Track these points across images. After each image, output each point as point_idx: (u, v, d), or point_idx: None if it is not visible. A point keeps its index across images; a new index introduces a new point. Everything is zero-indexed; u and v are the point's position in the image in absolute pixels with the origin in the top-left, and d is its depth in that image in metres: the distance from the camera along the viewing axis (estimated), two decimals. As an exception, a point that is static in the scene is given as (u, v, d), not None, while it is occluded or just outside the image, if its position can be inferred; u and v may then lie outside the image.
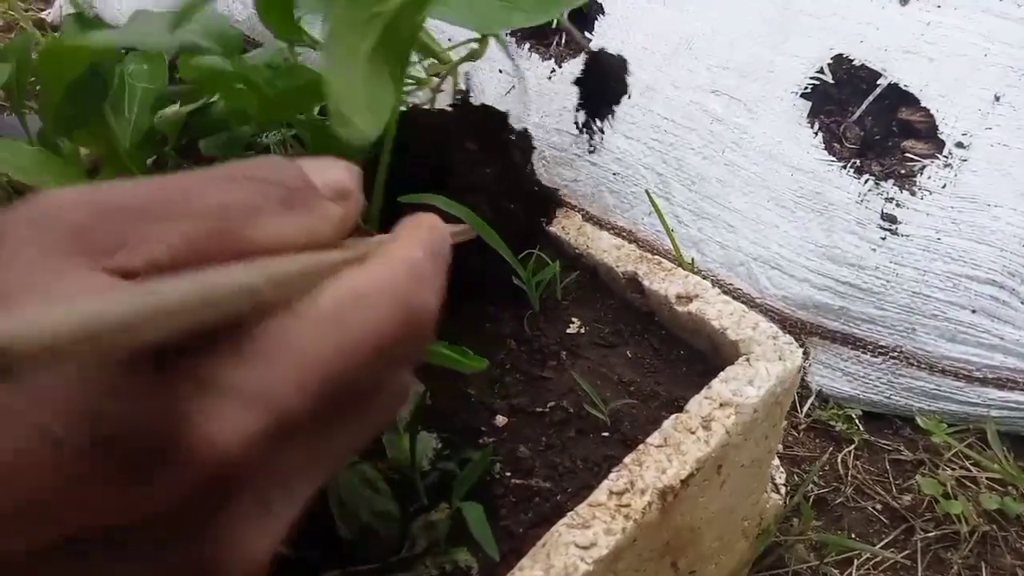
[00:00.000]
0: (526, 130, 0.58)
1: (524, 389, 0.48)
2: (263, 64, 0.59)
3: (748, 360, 0.44)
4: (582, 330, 0.51)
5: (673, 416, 0.41)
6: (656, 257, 0.52)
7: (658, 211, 0.66)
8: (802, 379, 0.66)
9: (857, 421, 0.62)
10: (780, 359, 0.44)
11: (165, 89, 0.60)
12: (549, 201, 0.57)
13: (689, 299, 0.49)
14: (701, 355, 0.49)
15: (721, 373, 0.43)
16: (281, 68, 0.61)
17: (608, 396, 0.46)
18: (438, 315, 0.21)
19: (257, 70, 0.58)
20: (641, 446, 0.40)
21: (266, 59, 0.59)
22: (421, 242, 0.22)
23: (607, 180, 0.73)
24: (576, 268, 0.55)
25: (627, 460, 0.39)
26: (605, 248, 0.54)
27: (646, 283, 0.50)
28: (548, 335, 0.50)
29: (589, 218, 0.76)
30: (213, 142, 0.58)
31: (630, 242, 0.73)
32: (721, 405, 0.41)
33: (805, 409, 0.64)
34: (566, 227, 0.56)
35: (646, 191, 0.70)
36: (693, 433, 0.40)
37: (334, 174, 0.23)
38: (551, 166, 0.77)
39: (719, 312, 0.47)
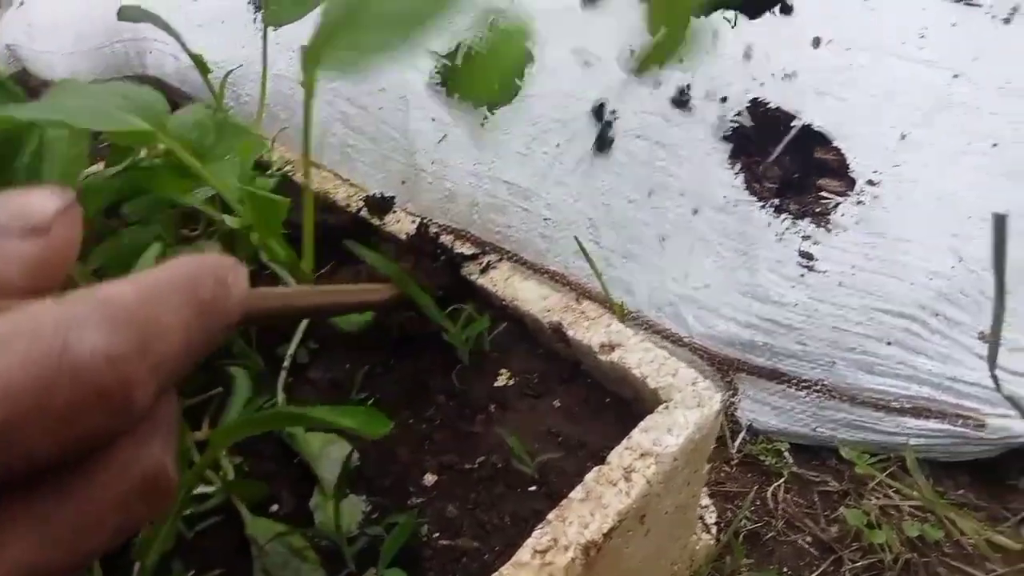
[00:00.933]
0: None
1: (453, 445, 0.48)
2: (192, 122, 0.59)
3: (668, 408, 0.45)
4: (511, 382, 0.52)
5: (595, 468, 0.42)
6: (580, 306, 0.53)
7: (587, 256, 0.68)
8: (733, 414, 0.67)
9: (787, 454, 0.64)
10: (699, 405, 0.45)
11: (86, 152, 0.59)
12: (472, 258, 0.58)
13: (612, 348, 0.50)
14: (627, 403, 0.50)
15: (641, 422, 0.44)
16: (210, 125, 0.61)
17: (536, 448, 0.47)
18: (176, 366, 0.18)
19: (185, 128, 0.58)
20: (564, 501, 0.41)
21: (193, 118, 0.59)
22: (146, 281, 0.18)
23: (539, 226, 0.75)
24: (505, 319, 0.55)
25: (551, 516, 0.40)
26: (531, 298, 0.54)
27: (570, 333, 0.51)
28: (477, 388, 0.51)
29: (524, 262, 0.77)
30: (137, 204, 0.58)
31: (563, 285, 0.75)
32: (642, 455, 0.42)
33: (736, 444, 0.65)
34: (494, 279, 0.57)
35: (575, 237, 0.71)
36: (615, 485, 0.41)
37: (31, 204, 0.19)
38: (484, 212, 0.78)
39: (640, 360, 0.48)
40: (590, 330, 0.51)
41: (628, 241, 0.71)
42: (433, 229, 0.63)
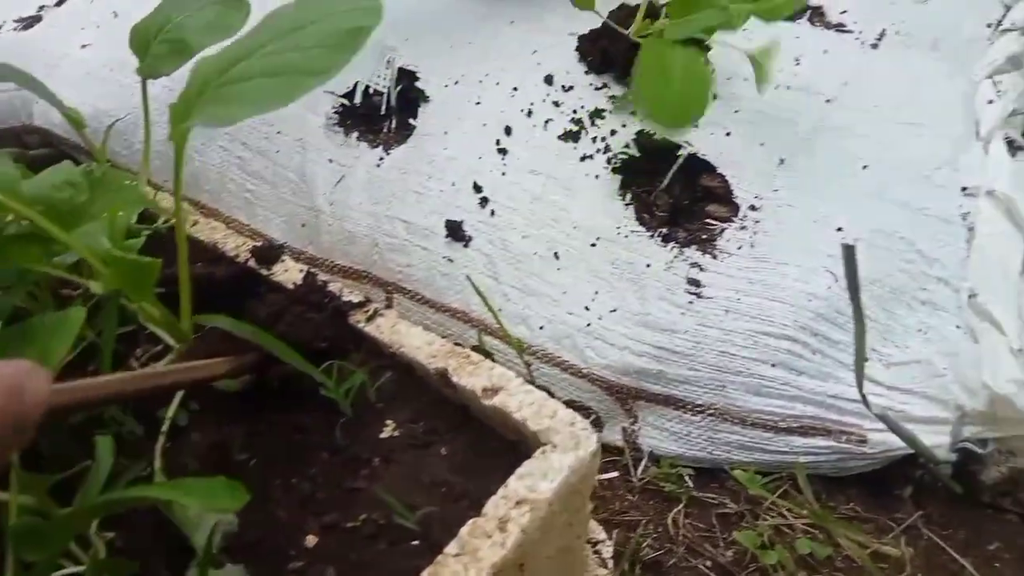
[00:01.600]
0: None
1: (336, 503, 0.47)
2: (56, 183, 0.58)
3: (544, 452, 0.45)
4: (396, 432, 0.51)
5: (470, 521, 0.42)
6: (465, 351, 0.53)
7: (481, 295, 0.68)
8: (634, 442, 0.68)
9: (687, 479, 0.65)
10: (575, 447, 0.45)
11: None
12: (360, 305, 0.58)
13: (494, 391, 0.50)
14: (513, 446, 0.50)
15: (518, 469, 0.44)
16: (83, 183, 0.59)
17: (420, 501, 0.46)
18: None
19: (46, 190, 0.56)
20: (440, 556, 0.40)
21: (58, 178, 0.57)
22: None
23: (439, 264, 0.75)
24: (392, 367, 0.55)
25: (424, 574, 0.39)
26: (417, 345, 0.54)
27: (455, 379, 0.51)
28: (361, 442, 0.50)
29: (426, 301, 0.77)
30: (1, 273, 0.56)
31: (465, 322, 0.75)
32: (517, 503, 0.42)
33: (639, 472, 0.66)
34: (380, 326, 0.57)
35: (467, 277, 0.71)
36: (490, 537, 0.41)
37: None
38: (384, 253, 0.77)
39: (520, 403, 0.49)
40: (473, 375, 0.51)
41: (526, 276, 0.72)
42: (321, 277, 0.62)
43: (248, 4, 0.67)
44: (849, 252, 0.45)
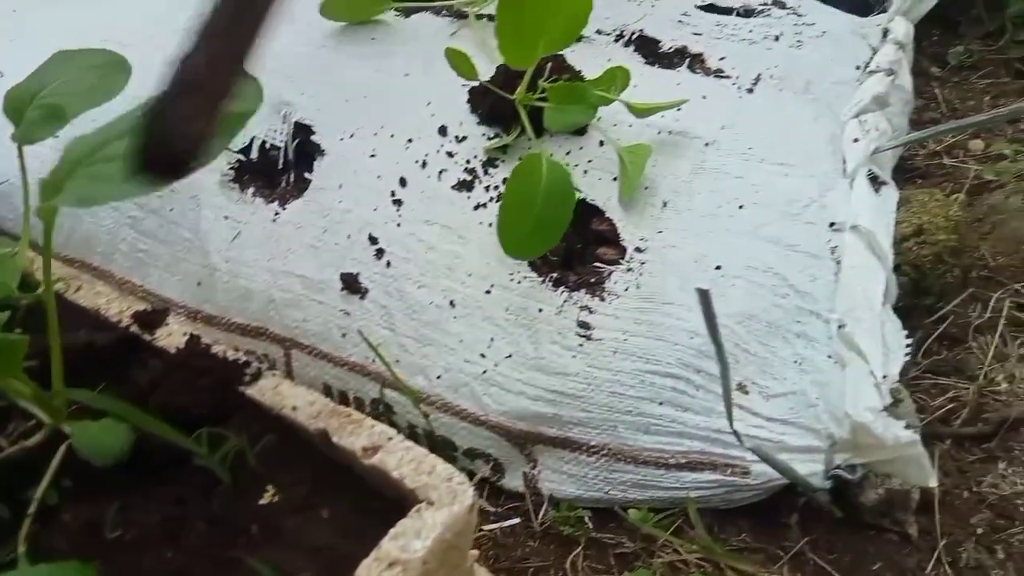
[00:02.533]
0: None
1: (210, 576, 0.46)
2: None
3: (419, 510, 0.45)
4: (276, 498, 0.50)
5: (342, 587, 0.41)
6: (347, 410, 0.53)
7: (373, 347, 0.68)
8: (535, 487, 0.69)
9: (587, 520, 0.66)
10: (451, 502, 0.46)
11: None
12: (243, 367, 0.57)
13: (374, 450, 0.50)
14: (396, 505, 0.50)
15: (392, 529, 0.44)
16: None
17: (299, 567, 0.46)
18: None
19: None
20: (310, 627, 0.40)
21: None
22: None
23: (336, 318, 0.75)
24: (275, 429, 0.54)
25: (292, 647, 0.39)
26: (299, 405, 0.54)
27: (336, 439, 0.51)
28: (240, 510, 0.49)
29: (324, 355, 0.76)
30: None
31: (364, 375, 0.74)
32: (389, 565, 0.42)
33: (539, 517, 0.66)
34: (263, 388, 0.56)
35: (358, 331, 0.71)
36: (362, 601, 0.41)
37: None
38: (281, 308, 0.77)
39: (399, 460, 0.49)
40: (354, 434, 0.51)
41: (422, 325, 0.72)
42: (208, 339, 0.61)
43: (130, 67, 0.67)
44: (704, 296, 0.47)
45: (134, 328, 0.63)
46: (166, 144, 0.35)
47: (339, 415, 0.53)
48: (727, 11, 1.08)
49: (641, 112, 0.76)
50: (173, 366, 0.57)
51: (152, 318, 0.63)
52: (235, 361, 0.58)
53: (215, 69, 0.36)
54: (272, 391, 0.56)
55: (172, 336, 0.61)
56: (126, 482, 0.52)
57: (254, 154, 0.86)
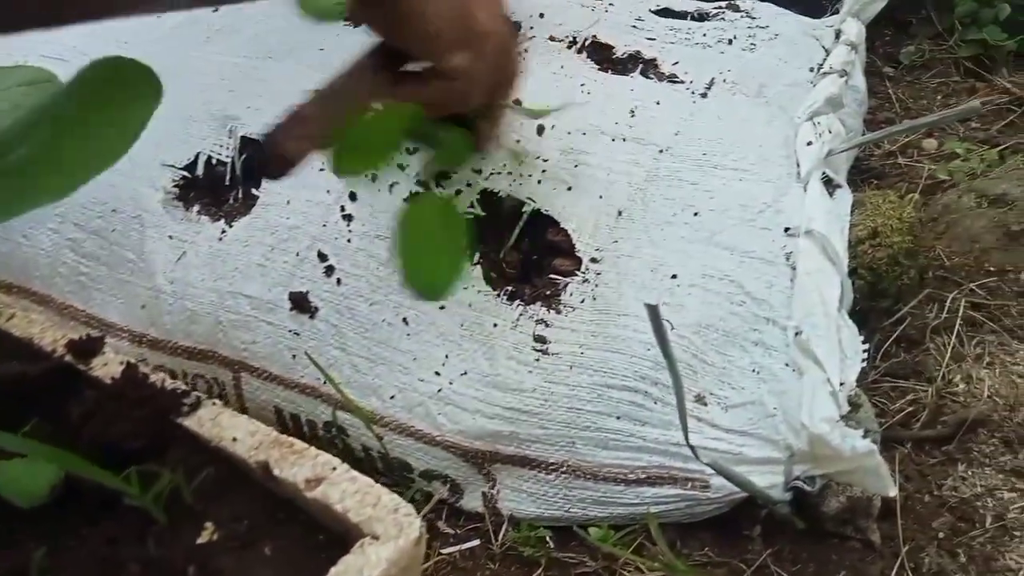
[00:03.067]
0: None
1: (144, 623, 0.44)
2: None
3: (362, 546, 0.43)
4: (216, 535, 0.48)
5: (280, 631, 0.39)
6: (290, 440, 0.51)
7: (320, 368, 0.66)
8: (494, 507, 0.67)
9: (548, 540, 0.64)
10: (397, 535, 0.44)
11: None
12: (182, 396, 0.55)
13: (317, 482, 0.48)
14: (341, 539, 0.48)
15: (333, 568, 0.42)
16: None
17: (238, 608, 0.44)
18: None
19: None
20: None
21: None
22: None
23: (286, 338, 0.72)
24: (213, 462, 0.52)
25: None
26: (239, 436, 0.52)
27: (277, 471, 0.49)
28: (176, 550, 0.47)
29: (274, 378, 0.74)
30: None
31: (315, 397, 0.72)
32: (331, 606, 0.40)
33: (500, 539, 0.65)
34: (201, 419, 0.54)
35: (305, 353, 0.69)
36: (299, 646, 0.39)
37: None
38: (228, 330, 0.74)
39: (343, 492, 0.47)
40: (296, 465, 0.49)
41: (375, 344, 0.70)
42: (142, 369, 0.59)
43: (60, 83, 0.64)
44: (653, 312, 0.46)
45: (69, 358, 0.60)
46: (278, 152, 0.54)
47: (281, 445, 0.50)
48: (681, 15, 1.08)
49: (537, 114, 0.76)
50: (108, 397, 0.55)
51: (88, 346, 0.60)
52: (173, 390, 0.56)
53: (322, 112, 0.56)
54: (211, 421, 0.53)
55: (108, 365, 0.59)
56: (55, 524, 0.49)
57: (199, 170, 0.83)
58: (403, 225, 0.58)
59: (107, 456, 0.50)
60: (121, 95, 0.48)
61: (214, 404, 0.54)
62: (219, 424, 0.53)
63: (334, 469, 0.48)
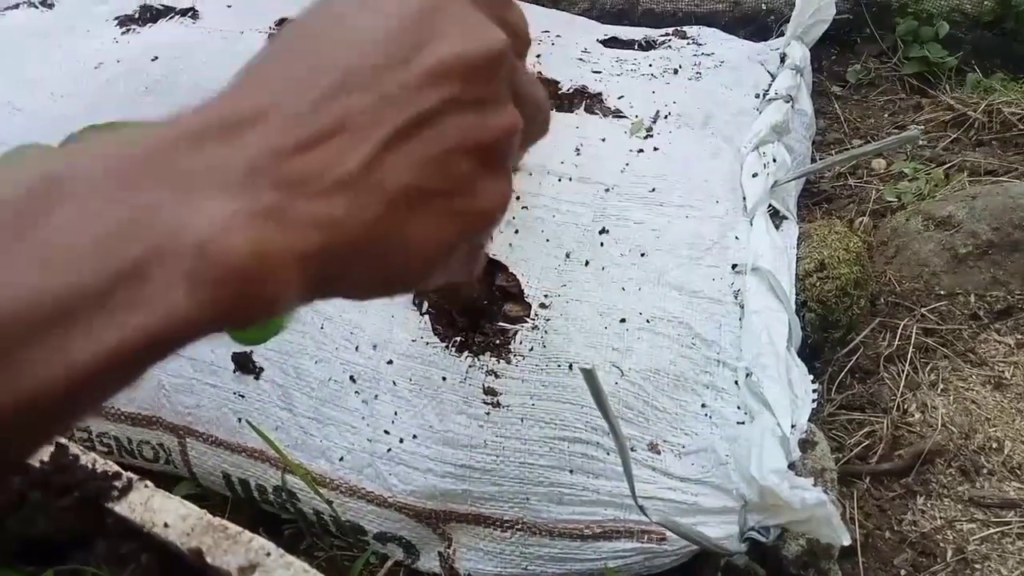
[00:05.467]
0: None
1: None
2: None
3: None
4: (146, 631, 0.46)
5: None
6: (223, 523, 0.49)
7: (261, 434, 0.64)
8: (452, 567, 0.65)
9: (506, 598, 0.62)
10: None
11: None
12: (113, 478, 0.52)
13: (252, 569, 0.46)
14: (278, 625, 0.46)
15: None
16: None
17: None
18: None
19: None
20: None
21: None
22: None
23: (230, 401, 0.70)
24: (146, 548, 0.50)
25: None
26: (171, 521, 0.50)
27: (209, 558, 0.47)
28: (103, 652, 0.45)
29: (219, 442, 0.71)
30: None
31: (263, 461, 0.70)
32: None
33: (456, 600, 0.63)
34: (132, 503, 0.51)
35: (247, 421, 0.67)
36: None
37: None
38: (171, 394, 0.72)
39: (278, 580, 0.45)
40: (230, 552, 0.47)
41: (322, 404, 0.68)
42: (73, 449, 0.56)
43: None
44: (589, 375, 0.45)
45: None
46: None
47: (214, 530, 0.48)
48: (629, 44, 1.08)
49: None
50: (34, 485, 0.52)
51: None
52: (104, 472, 0.53)
53: None
54: (142, 506, 0.51)
55: (35, 448, 0.56)
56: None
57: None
58: None
59: (31, 552, 0.48)
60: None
61: (146, 487, 0.52)
62: (151, 508, 0.51)
63: (268, 555, 0.46)
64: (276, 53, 0.20)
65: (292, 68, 0.19)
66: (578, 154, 0.81)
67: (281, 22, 1.01)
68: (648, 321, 0.66)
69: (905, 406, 0.71)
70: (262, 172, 0.18)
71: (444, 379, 0.67)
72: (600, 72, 0.95)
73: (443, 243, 0.21)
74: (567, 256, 0.72)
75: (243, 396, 0.70)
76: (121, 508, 0.51)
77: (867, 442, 0.70)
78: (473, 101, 0.20)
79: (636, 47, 1.08)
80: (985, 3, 1.18)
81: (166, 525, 0.49)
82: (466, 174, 0.21)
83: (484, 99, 0.20)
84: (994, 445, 0.68)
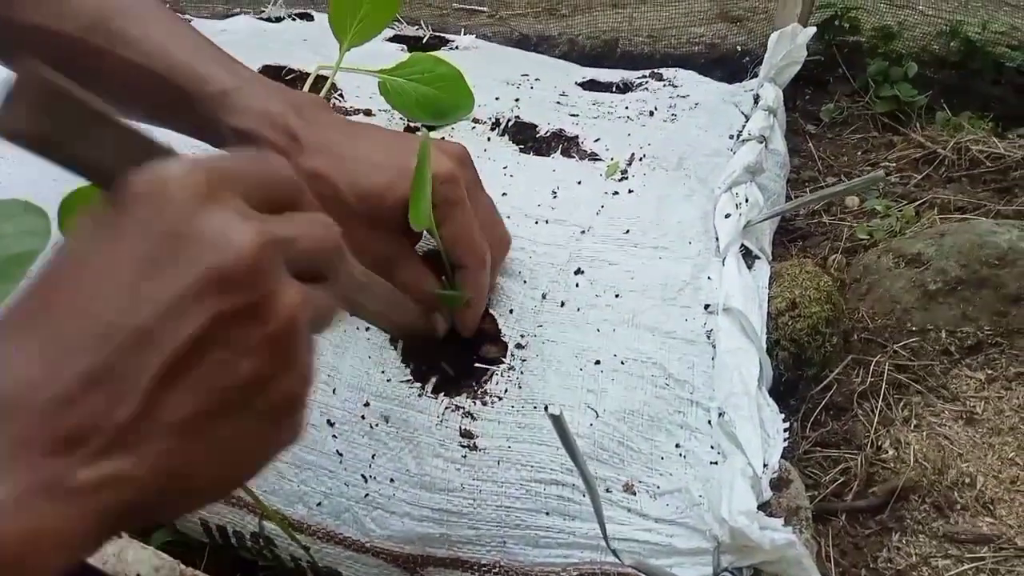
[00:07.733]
0: None
1: None
2: None
3: None
4: None
5: None
6: (196, 573, 0.49)
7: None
8: (430, 613, 0.65)
9: (484, 643, 0.62)
10: None
11: None
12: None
13: (223, 620, 0.46)
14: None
15: None
16: None
17: None
18: None
19: None
20: None
21: None
22: None
23: (208, 446, 0.70)
24: (119, 601, 0.50)
25: None
26: (144, 572, 0.50)
27: (181, 611, 0.47)
28: None
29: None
30: None
31: (241, 507, 0.70)
32: None
33: (434, 646, 0.63)
34: (104, 555, 0.51)
35: (224, 467, 0.67)
36: None
37: None
38: (150, 441, 0.72)
39: (249, 631, 0.45)
40: (201, 603, 0.47)
41: (299, 448, 0.68)
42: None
43: (48, 220, 0.61)
44: (556, 420, 0.45)
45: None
46: None
47: (186, 580, 0.48)
48: (607, 87, 1.11)
49: None
50: None
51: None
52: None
53: None
54: (115, 557, 0.51)
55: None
56: None
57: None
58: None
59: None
60: (10, 233, 0.47)
61: (119, 537, 0.52)
62: (123, 560, 0.51)
63: (240, 605, 0.46)
64: (23, 313, 0.19)
65: (44, 329, 0.18)
66: (554, 197, 0.82)
67: (264, 69, 1.04)
68: (623, 363, 0.67)
69: (879, 442, 0.72)
70: (31, 443, 0.17)
71: (420, 422, 0.67)
72: (577, 115, 0.98)
73: (263, 439, 0.20)
74: (543, 297, 0.73)
75: (221, 441, 0.70)
76: (93, 559, 0.51)
77: (842, 479, 0.70)
78: (241, 307, 0.19)
79: (614, 89, 1.10)
80: (952, 44, 1.22)
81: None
82: (253, 377, 0.19)
83: (252, 301, 0.19)
84: (967, 480, 0.69)
